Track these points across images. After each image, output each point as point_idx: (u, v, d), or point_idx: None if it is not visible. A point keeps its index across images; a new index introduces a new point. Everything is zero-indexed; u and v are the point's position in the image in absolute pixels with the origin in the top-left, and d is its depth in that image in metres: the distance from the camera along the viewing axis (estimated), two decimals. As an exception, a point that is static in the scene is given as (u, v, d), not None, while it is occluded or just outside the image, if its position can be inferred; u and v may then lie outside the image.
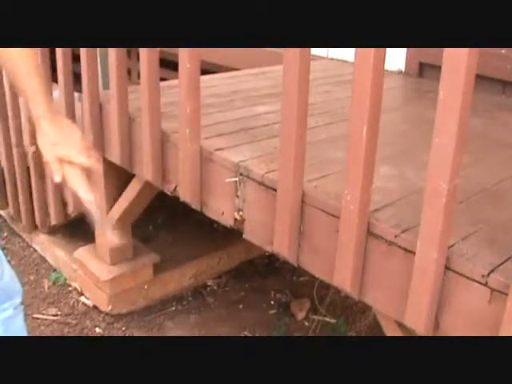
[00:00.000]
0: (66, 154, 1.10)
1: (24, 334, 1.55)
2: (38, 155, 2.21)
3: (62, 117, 1.16)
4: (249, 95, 2.14)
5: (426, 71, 2.54)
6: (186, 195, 1.64)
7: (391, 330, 1.27)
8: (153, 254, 2.35)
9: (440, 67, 0.94)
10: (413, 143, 1.71)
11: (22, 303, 1.53)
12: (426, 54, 2.45)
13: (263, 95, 2.15)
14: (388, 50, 1.06)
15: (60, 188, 2.34)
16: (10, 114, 2.50)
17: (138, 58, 1.66)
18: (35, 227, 2.69)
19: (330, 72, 2.59)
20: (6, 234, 2.86)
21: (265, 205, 1.40)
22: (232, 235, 1.77)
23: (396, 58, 2.59)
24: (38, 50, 1.13)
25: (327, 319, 2.34)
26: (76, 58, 1.95)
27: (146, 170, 1.76)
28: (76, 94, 2.10)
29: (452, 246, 1.12)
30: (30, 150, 2.46)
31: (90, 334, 2.18)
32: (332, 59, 2.85)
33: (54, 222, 2.58)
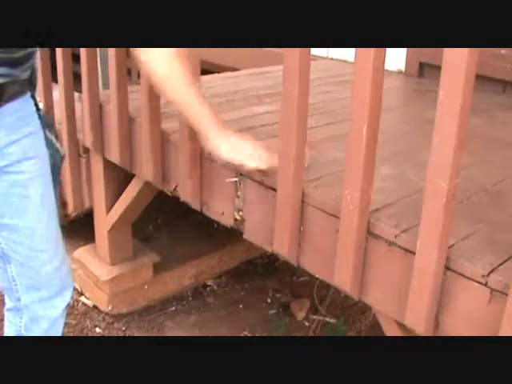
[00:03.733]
0: (237, 158, 1.34)
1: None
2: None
3: (228, 131, 1.36)
4: (249, 95, 2.14)
5: (426, 71, 2.54)
6: (186, 195, 1.64)
7: (391, 330, 1.27)
8: (153, 254, 2.35)
9: (440, 67, 0.94)
10: (413, 143, 1.71)
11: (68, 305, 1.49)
12: (426, 53, 2.45)
13: (263, 95, 2.15)
14: (388, 50, 1.06)
15: (59, 188, 2.34)
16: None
17: (138, 58, 1.66)
18: (35, 227, 2.68)
19: (330, 72, 2.59)
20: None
21: (265, 205, 1.40)
22: (232, 235, 1.77)
23: (396, 57, 2.59)
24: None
25: (327, 319, 2.34)
26: (76, 58, 1.95)
27: (146, 170, 1.76)
28: (76, 94, 2.10)
29: (452, 246, 1.12)
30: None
31: (89, 334, 2.18)
32: (332, 59, 2.85)
33: (53, 221, 2.58)
